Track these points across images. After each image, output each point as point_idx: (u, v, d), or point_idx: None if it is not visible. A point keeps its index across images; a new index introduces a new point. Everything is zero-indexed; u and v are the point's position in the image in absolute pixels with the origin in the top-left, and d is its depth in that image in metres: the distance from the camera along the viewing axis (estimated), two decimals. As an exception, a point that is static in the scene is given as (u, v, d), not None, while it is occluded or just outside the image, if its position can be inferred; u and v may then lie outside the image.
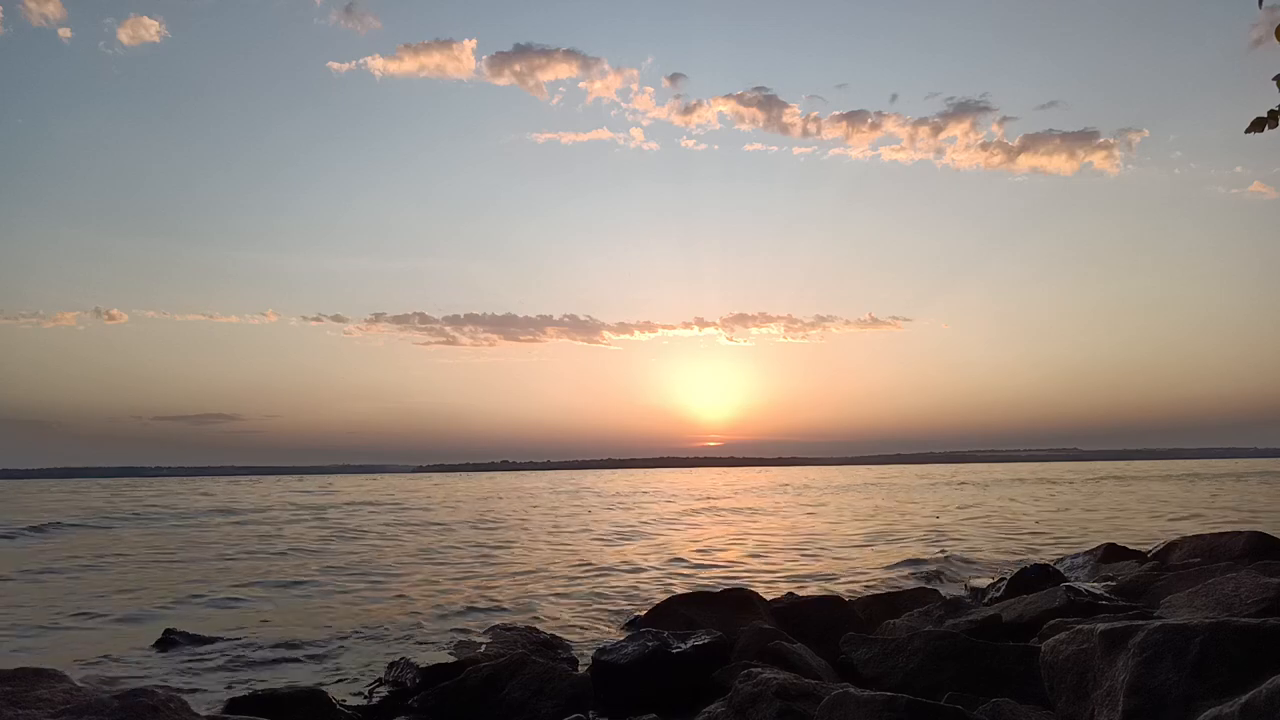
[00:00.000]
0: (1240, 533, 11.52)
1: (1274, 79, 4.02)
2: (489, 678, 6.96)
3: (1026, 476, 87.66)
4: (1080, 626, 4.86)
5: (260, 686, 7.63)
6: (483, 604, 12.84)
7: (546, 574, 16.35)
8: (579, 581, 15.22)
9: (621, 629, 10.62)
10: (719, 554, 19.70)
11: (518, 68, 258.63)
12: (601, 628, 11.16)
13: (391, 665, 8.15)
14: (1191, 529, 18.79)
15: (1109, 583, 10.31)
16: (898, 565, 16.61)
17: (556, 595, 13.69)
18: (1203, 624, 4.25)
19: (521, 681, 6.87)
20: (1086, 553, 13.75)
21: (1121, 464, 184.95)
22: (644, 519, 32.80)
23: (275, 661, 9.35)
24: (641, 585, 14.71)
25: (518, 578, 15.89)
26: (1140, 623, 4.55)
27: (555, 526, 29.31)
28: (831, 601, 9.55)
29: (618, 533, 26.36)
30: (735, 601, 9.06)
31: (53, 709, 4.65)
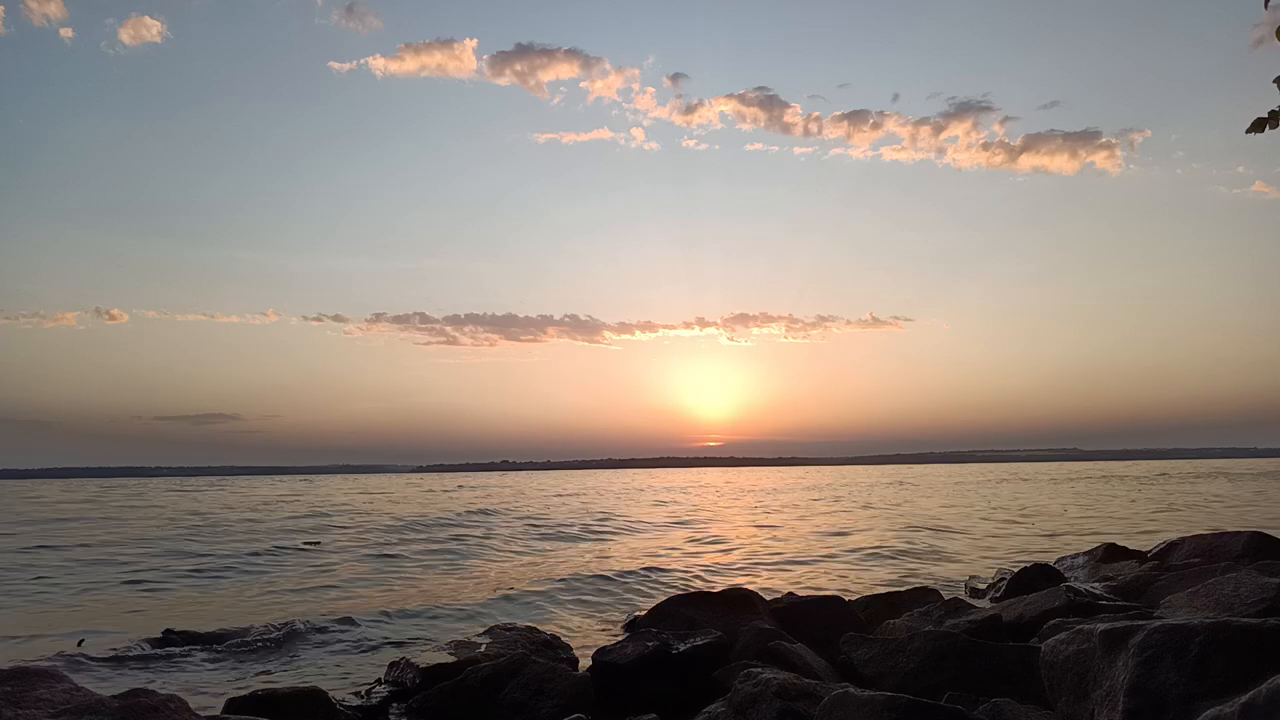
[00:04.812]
0: (1240, 533, 11.53)
1: (1275, 80, 4.02)
2: (489, 678, 6.95)
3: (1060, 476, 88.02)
4: (1080, 626, 4.85)
5: (260, 686, 7.62)
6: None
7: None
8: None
9: (621, 629, 10.62)
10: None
11: (519, 67, 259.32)
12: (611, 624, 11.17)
13: (392, 665, 8.15)
14: (1191, 529, 18.77)
15: (1109, 583, 10.32)
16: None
17: None
18: (1203, 624, 4.24)
19: (521, 682, 6.86)
20: (1086, 553, 13.76)
21: (1121, 464, 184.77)
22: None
23: (275, 661, 9.35)
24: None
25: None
26: (1140, 623, 4.54)
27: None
28: (831, 601, 9.54)
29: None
30: (735, 601, 9.05)
31: (53, 709, 4.65)
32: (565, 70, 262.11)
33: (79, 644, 9.88)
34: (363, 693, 7.77)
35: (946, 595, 11.04)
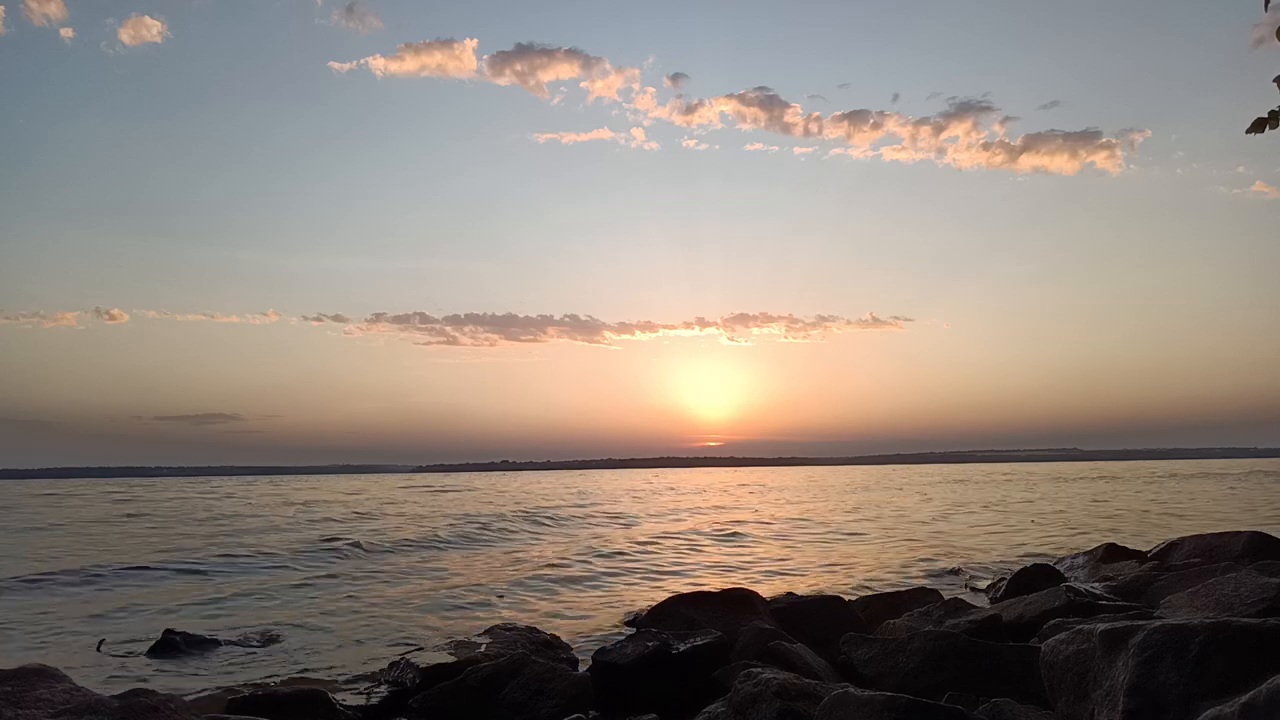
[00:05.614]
0: (1240, 533, 11.52)
1: (1275, 80, 4.02)
2: (489, 678, 6.95)
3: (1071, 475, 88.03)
4: (1080, 626, 4.85)
5: (261, 687, 7.62)
6: None
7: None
8: None
9: (622, 629, 10.61)
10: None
11: (519, 67, 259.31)
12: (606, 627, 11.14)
13: (392, 665, 8.15)
14: (1191, 529, 18.71)
15: (1109, 583, 10.31)
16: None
17: None
18: (1203, 624, 4.24)
19: (521, 682, 6.86)
20: (1086, 553, 13.76)
21: (1121, 464, 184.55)
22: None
23: (276, 661, 9.35)
24: None
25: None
26: (1140, 623, 4.54)
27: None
28: (831, 601, 9.54)
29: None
30: (735, 601, 9.05)
31: (53, 709, 4.65)
32: (565, 70, 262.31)
33: (99, 645, 9.90)
34: (363, 692, 7.78)
35: (946, 595, 11.04)
